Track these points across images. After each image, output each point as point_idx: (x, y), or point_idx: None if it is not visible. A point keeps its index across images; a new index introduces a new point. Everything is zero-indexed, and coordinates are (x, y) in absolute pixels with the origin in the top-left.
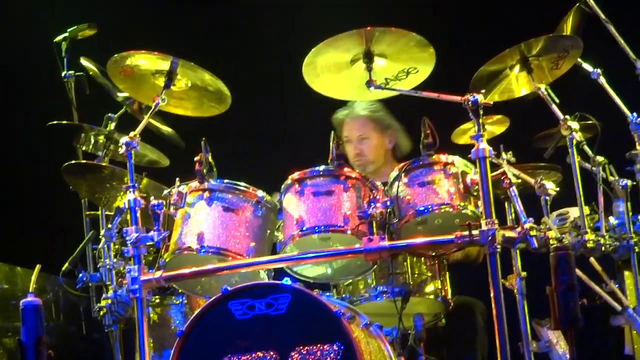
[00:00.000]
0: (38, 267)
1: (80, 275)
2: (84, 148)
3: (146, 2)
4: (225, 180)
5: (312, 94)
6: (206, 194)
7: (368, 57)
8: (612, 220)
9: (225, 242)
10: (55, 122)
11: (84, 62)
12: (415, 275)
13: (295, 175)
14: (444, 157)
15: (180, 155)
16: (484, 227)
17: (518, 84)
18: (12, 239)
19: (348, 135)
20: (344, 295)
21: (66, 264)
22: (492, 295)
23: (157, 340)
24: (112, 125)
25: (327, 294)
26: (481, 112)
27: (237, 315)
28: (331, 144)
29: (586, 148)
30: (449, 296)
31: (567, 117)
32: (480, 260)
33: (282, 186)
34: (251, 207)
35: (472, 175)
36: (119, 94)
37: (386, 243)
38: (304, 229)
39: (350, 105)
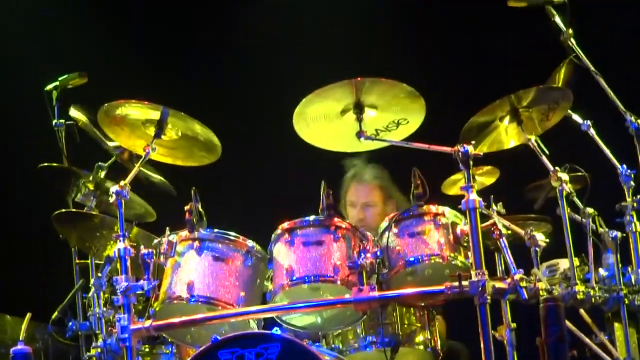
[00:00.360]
0: (28, 315)
1: (70, 323)
2: (74, 197)
3: (137, 51)
4: (215, 230)
5: (302, 143)
6: (196, 244)
7: (358, 107)
8: (602, 271)
9: (215, 292)
10: (46, 164)
11: (73, 111)
12: (405, 326)
13: (286, 224)
14: (434, 208)
15: (170, 204)
16: (474, 278)
17: (508, 135)
18: (2, 287)
19: (354, 199)
20: (333, 345)
21: (56, 313)
22: (482, 346)
23: None
24: (103, 174)
25: (317, 343)
26: (471, 163)
27: None
28: (322, 194)
29: (576, 199)
30: (439, 347)
31: (557, 168)
32: None
33: (272, 236)
34: (241, 257)
35: (462, 226)
36: (110, 143)
37: (376, 293)
38: (294, 278)
39: (358, 167)
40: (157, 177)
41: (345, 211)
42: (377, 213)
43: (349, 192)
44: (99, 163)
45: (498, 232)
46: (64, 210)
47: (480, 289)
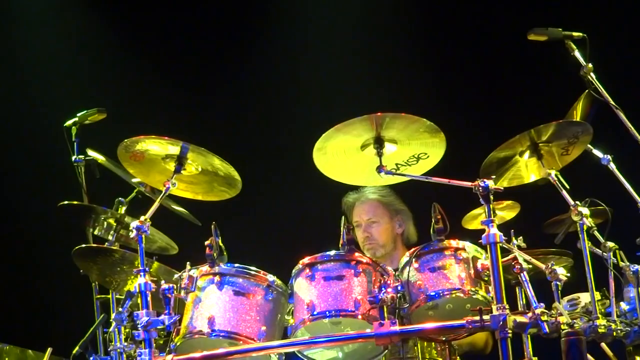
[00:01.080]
0: (49, 350)
1: (91, 358)
2: (94, 232)
3: (157, 86)
4: (236, 265)
5: (323, 178)
6: (217, 278)
7: (378, 142)
8: (623, 305)
9: (236, 326)
10: (66, 202)
11: (90, 152)
12: None
13: (306, 259)
14: (454, 243)
15: (191, 238)
16: (495, 312)
17: (528, 169)
18: (24, 322)
19: (358, 219)
20: None
21: (77, 347)
22: None
23: None
24: (123, 209)
25: None
26: (492, 197)
27: None
28: (342, 228)
29: (597, 234)
30: None
31: (578, 202)
32: (488, 350)
33: (293, 270)
34: (262, 291)
35: (482, 261)
36: (132, 179)
37: (397, 328)
38: (315, 313)
39: (360, 189)
40: (180, 209)
41: (356, 238)
42: (383, 229)
43: (353, 214)
44: (119, 198)
45: (519, 267)
46: (84, 245)
47: (501, 323)
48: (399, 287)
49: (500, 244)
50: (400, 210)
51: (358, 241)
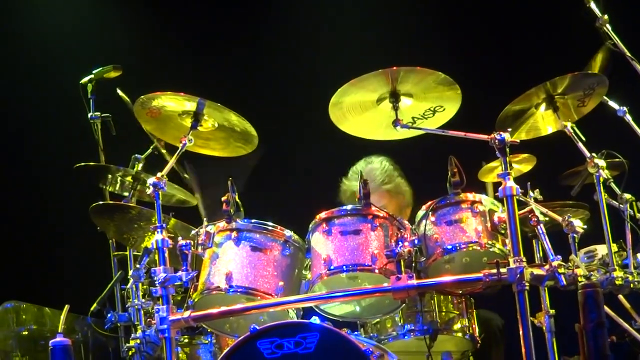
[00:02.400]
0: (67, 307)
1: (109, 315)
2: (111, 189)
3: (172, 42)
4: (253, 220)
5: (338, 133)
6: (234, 234)
7: (394, 96)
8: None
9: (254, 282)
10: (82, 163)
11: (119, 92)
12: (443, 314)
13: (323, 214)
14: (471, 196)
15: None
16: (512, 265)
17: (544, 122)
18: (41, 280)
19: None
20: (372, 334)
21: (95, 304)
22: (521, 333)
23: None
24: (139, 166)
25: (355, 332)
26: (508, 150)
27: (265, 354)
28: (359, 183)
29: (613, 185)
30: (477, 334)
31: (594, 154)
32: None
33: (310, 225)
34: (279, 247)
35: (499, 214)
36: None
37: (414, 282)
38: (332, 267)
39: (369, 174)
40: (186, 175)
41: None
42: (392, 210)
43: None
44: (135, 155)
45: (535, 219)
46: (101, 202)
47: (518, 276)
48: (416, 241)
49: (517, 197)
50: (405, 191)
51: None
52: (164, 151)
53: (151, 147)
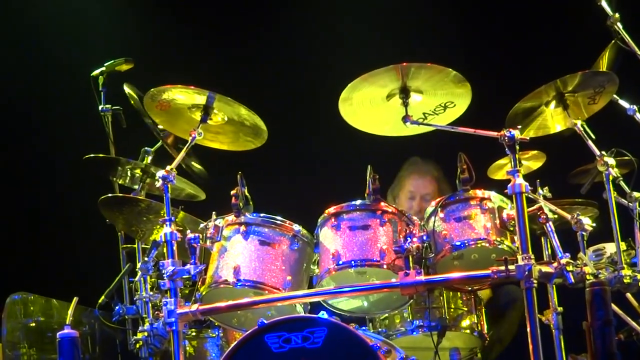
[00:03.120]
0: (75, 299)
1: (117, 308)
2: (120, 181)
3: (183, 35)
4: (262, 214)
5: (348, 128)
6: (242, 228)
7: (404, 92)
8: None
9: (262, 276)
10: (91, 155)
11: (126, 88)
12: (452, 310)
13: (332, 209)
14: (480, 193)
15: (217, 188)
16: (520, 262)
17: (554, 120)
18: (49, 272)
19: (413, 190)
20: (380, 329)
21: (103, 297)
22: (528, 330)
23: None
24: (149, 159)
25: (363, 327)
26: (517, 147)
27: (273, 348)
28: (368, 178)
29: (622, 184)
30: (485, 331)
31: (604, 153)
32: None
33: (319, 220)
34: (287, 241)
35: (508, 211)
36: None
37: (422, 277)
38: (340, 263)
39: (415, 161)
40: (198, 166)
41: (396, 202)
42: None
43: (408, 183)
44: (145, 148)
45: (544, 217)
46: (110, 195)
47: (526, 273)
48: (425, 237)
49: (526, 194)
50: (444, 187)
51: (407, 209)
52: (170, 148)
53: (161, 139)
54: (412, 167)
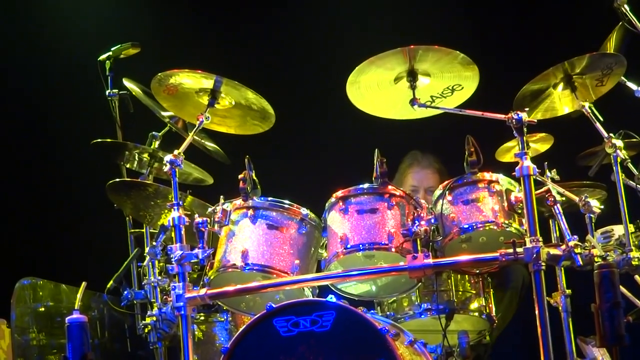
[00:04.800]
0: (83, 284)
1: (125, 292)
2: (128, 166)
3: (190, 20)
4: (270, 198)
5: (356, 112)
6: (250, 212)
7: (412, 75)
8: None
9: (270, 260)
10: (99, 140)
11: (126, 82)
12: (460, 293)
13: (340, 193)
14: (488, 175)
15: (225, 172)
16: (528, 245)
17: (562, 102)
18: (58, 256)
19: (417, 184)
20: (388, 313)
21: (111, 282)
22: (537, 312)
23: (202, 358)
24: (156, 144)
25: (372, 311)
26: (525, 130)
27: (281, 332)
28: (375, 161)
29: (630, 166)
30: (493, 313)
31: (612, 135)
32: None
33: (327, 204)
34: (295, 225)
35: (516, 193)
36: (163, 113)
37: (430, 261)
38: (348, 246)
39: (414, 154)
40: (212, 145)
41: None
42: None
43: (410, 177)
44: (153, 132)
45: (552, 199)
46: (118, 179)
47: (534, 255)
48: (432, 220)
49: (534, 177)
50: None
51: None
52: (183, 133)
53: (168, 124)
54: (412, 162)
